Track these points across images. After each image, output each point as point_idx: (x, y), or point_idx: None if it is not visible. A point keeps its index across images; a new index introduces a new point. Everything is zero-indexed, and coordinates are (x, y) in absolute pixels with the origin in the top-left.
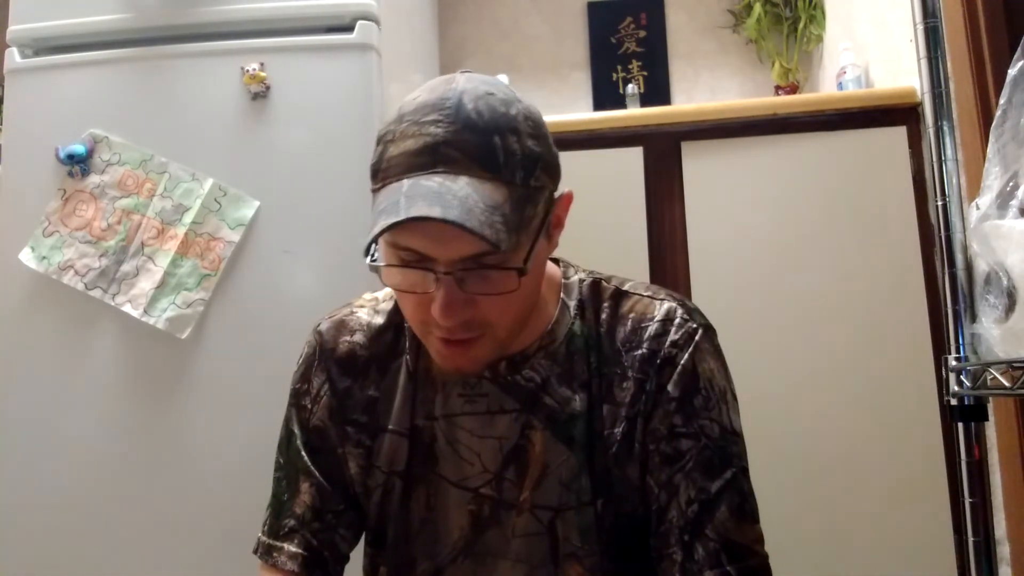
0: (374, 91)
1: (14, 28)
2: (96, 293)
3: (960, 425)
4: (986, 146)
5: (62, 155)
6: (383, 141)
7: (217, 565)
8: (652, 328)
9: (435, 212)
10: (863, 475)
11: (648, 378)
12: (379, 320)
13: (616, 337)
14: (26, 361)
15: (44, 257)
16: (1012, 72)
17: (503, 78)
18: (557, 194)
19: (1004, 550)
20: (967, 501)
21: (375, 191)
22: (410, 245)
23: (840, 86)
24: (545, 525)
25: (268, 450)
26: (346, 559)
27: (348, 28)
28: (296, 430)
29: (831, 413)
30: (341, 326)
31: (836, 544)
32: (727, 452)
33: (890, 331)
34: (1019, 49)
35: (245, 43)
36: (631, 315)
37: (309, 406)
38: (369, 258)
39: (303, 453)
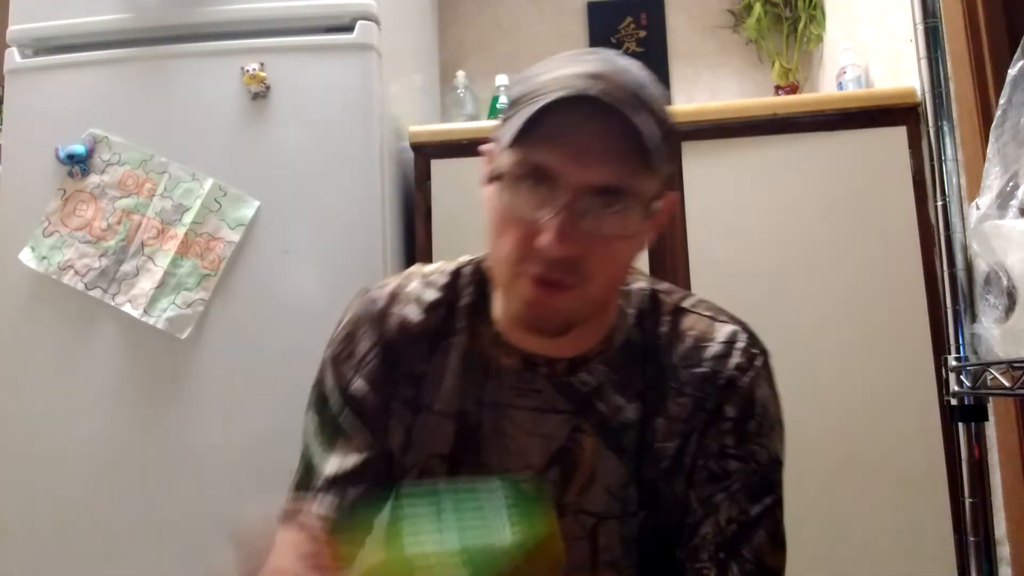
0: (374, 91)
1: (14, 28)
2: (96, 293)
3: (960, 425)
4: (986, 146)
5: (62, 155)
6: (525, 78)
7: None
8: (714, 349)
9: (607, 98)
10: (863, 475)
11: (707, 397)
12: (432, 295)
13: (673, 352)
14: (26, 361)
15: (44, 257)
16: (1012, 72)
17: (503, 78)
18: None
19: (1004, 550)
20: (967, 501)
21: (514, 113)
22: (545, 161)
23: (840, 86)
24: (587, 531)
25: (269, 449)
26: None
27: (348, 28)
28: (331, 395)
29: (831, 413)
30: (393, 296)
31: (836, 544)
32: (770, 480)
33: (890, 331)
34: (1019, 49)
35: (245, 43)
36: (691, 332)
37: (351, 372)
38: (495, 164)
39: (337, 419)
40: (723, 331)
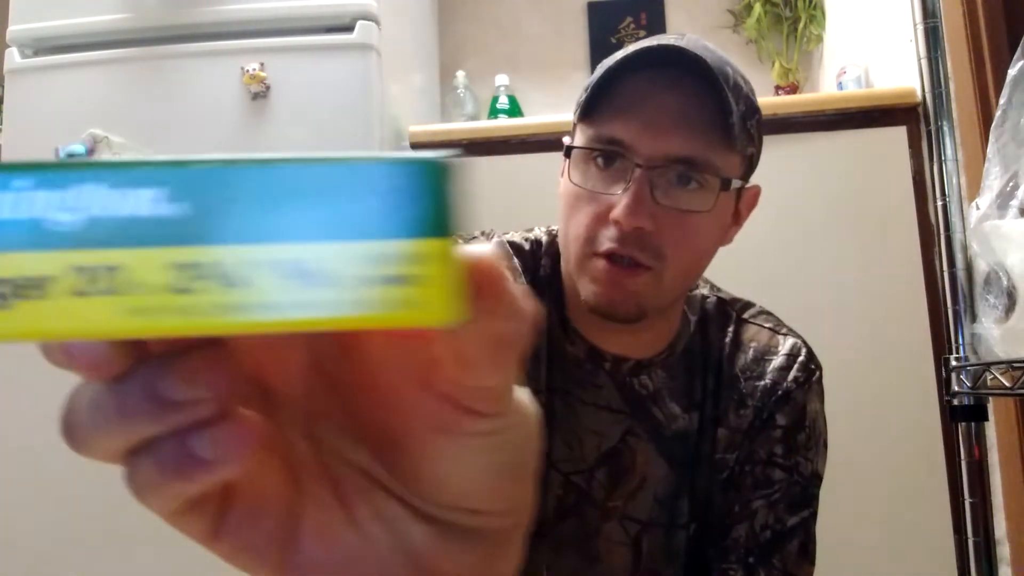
0: (374, 91)
1: (14, 28)
2: None
3: (960, 425)
4: (986, 146)
5: (62, 155)
6: (603, 62)
7: (220, 565)
8: (777, 361)
9: (684, 53)
10: (863, 475)
11: (765, 407)
12: (520, 261)
13: (736, 362)
14: (26, 361)
15: None
16: (1012, 72)
17: (503, 78)
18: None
19: (1004, 550)
20: (967, 501)
21: (587, 92)
22: (616, 133)
23: (840, 86)
24: (631, 537)
25: None
26: None
27: (348, 28)
28: None
29: (831, 413)
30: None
31: (836, 544)
32: (809, 493)
33: (890, 331)
34: (1019, 49)
35: (245, 43)
36: (752, 344)
37: None
38: (571, 137)
39: None
40: (785, 344)
